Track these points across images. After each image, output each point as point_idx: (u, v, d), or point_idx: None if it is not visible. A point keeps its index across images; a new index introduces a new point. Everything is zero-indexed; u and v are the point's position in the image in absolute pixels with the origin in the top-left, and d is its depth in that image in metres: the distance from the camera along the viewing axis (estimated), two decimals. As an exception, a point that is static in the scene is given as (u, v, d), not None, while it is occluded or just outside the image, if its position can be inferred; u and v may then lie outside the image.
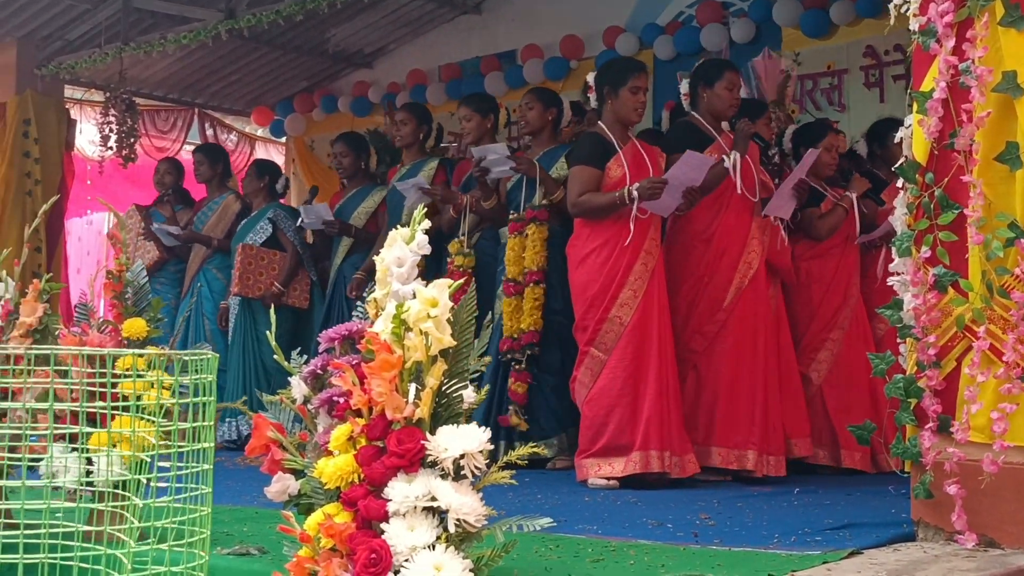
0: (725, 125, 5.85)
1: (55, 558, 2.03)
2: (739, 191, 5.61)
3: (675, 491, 5.09)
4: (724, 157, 5.58)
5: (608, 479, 5.21)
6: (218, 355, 2.04)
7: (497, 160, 6.22)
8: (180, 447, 1.94)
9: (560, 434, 6.11)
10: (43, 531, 2.08)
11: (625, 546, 3.38)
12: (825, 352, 6.14)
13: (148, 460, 1.97)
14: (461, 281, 2.54)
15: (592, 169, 5.49)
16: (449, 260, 6.44)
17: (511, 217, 6.24)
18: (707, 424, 5.53)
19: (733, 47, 8.49)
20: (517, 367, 6.08)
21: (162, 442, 1.96)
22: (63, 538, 2.07)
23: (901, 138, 3.46)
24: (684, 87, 5.90)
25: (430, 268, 6.33)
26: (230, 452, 7.03)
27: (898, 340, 3.43)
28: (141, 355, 1.98)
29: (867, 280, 6.26)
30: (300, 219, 7.58)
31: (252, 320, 7.65)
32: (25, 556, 2.02)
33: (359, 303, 3.25)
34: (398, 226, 2.68)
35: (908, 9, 3.42)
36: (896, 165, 3.44)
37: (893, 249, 3.42)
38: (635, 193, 5.32)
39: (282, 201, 8.29)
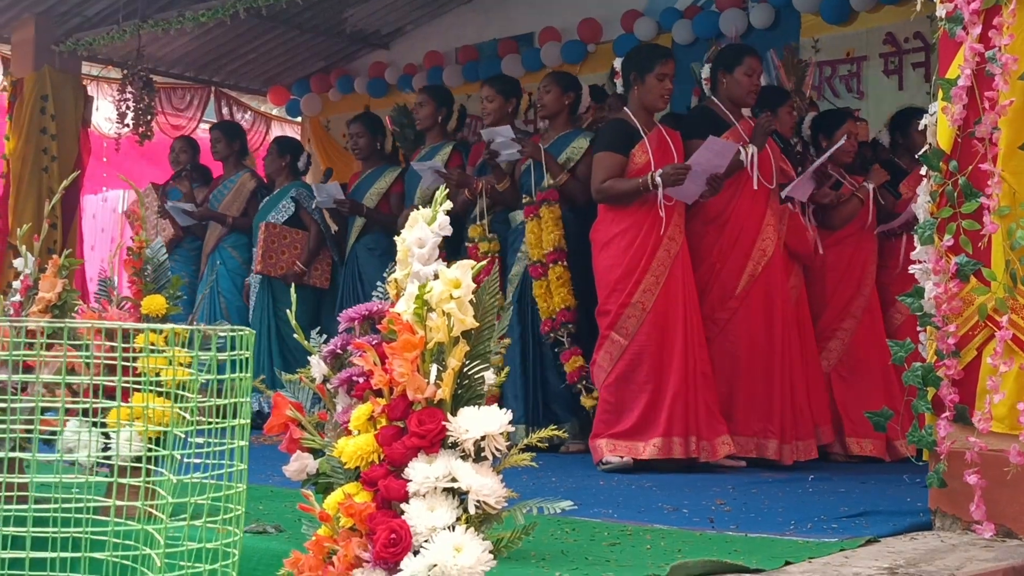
0: (746, 112, 5.82)
1: (87, 532, 2.04)
2: (755, 187, 5.58)
3: (690, 476, 5.08)
4: (741, 149, 5.54)
5: (623, 456, 5.19)
6: (254, 332, 2.03)
7: (504, 143, 6.23)
8: (217, 424, 1.93)
9: (572, 419, 6.11)
10: (72, 505, 2.08)
11: (641, 530, 3.38)
12: (836, 341, 6.13)
13: (182, 436, 1.97)
14: (484, 263, 2.53)
15: (617, 155, 5.47)
16: (471, 245, 6.42)
17: (524, 201, 6.24)
18: (724, 412, 5.50)
19: (752, 32, 8.45)
20: (559, 348, 6.09)
21: (196, 418, 1.96)
22: (95, 512, 2.07)
23: (924, 126, 3.44)
24: (706, 72, 5.87)
25: (448, 252, 6.33)
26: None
27: (918, 328, 3.42)
28: (177, 331, 1.97)
29: (884, 271, 6.24)
30: (314, 203, 7.57)
31: (272, 299, 7.64)
32: (60, 531, 2.03)
33: (379, 283, 3.25)
34: (417, 206, 2.67)
35: (934, -4, 3.40)
36: (920, 153, 3.42)
37: (915, 237, 3.40)
38: (659, 179, 5.30)
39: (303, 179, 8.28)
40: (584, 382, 5.99)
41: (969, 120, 3.29)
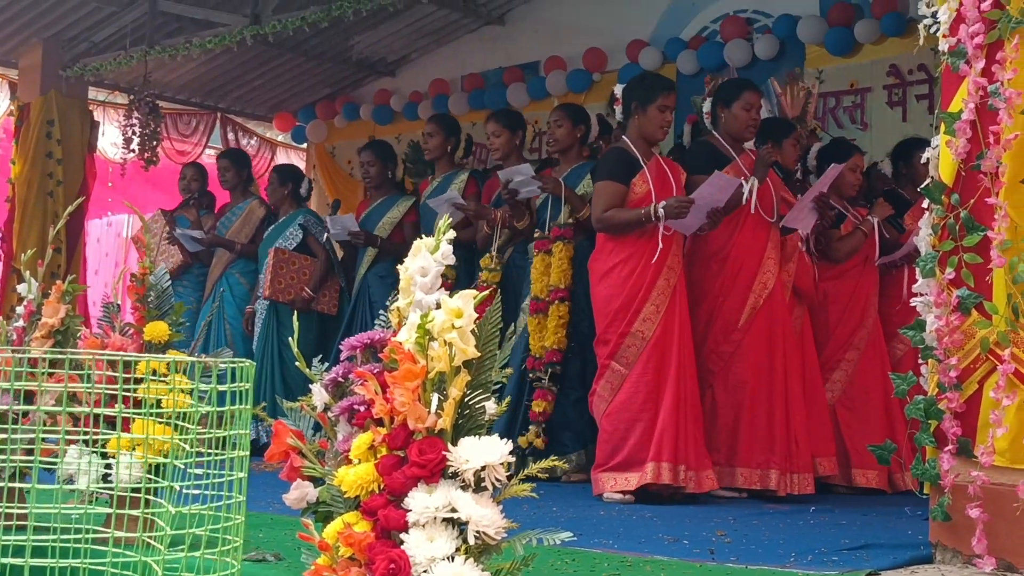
0: (748, 145, 5.83)
1: (86, 563, 2.04)
2: (752, 212, 5.59)
3: (691, 507, 5.07)
4: (743, 182, 5.55)
5: (624, 493, 5.20)
6: (254, 364, 2.04)
7: (523, 181, 6.22)
8: (216, 455, 1.94)
9: (580, 450, 6.10)
10: (72, 536, 2.08)
11: (641, 561, 3.37)
12: (840, 372, 6.13)
13: (181, 467, 1.97)
14: (486, 293, 2.54)
15: (617, 184, 5.48)
16: (481, 274, 6.44)
17: (536, 236, 6.24)
18: (729, 445, 5.51)
19: (757, 63, 8.49)
20: (538, 384, 6.08)
21: (196, 449, 1.96)
22: (93, 543, 2.07)
23: (927, 158, 3.45)
24: (707, 106, 5.89)
25: (461, 282, 6.36)
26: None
27: (920, 361, 3.42)
28: (177, 362, 1.98)
29: (887, 301, 6.25)
30: (326, 232, 7.59)
31: (277, 325, 7.64)
32: (59, 560, 2.02)
33: (381, 312, 3.25)
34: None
35: (937, 30, 3.41)
36: (922, 186, 3.43)
37: (917, 269, 3.40)
38: (661, 211, 5.31)
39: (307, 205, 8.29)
40: (538, 426, 6.00)
41: (972, 154, 3.30)
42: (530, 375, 6.12)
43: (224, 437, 1.94)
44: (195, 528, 1.88)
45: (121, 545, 2.01)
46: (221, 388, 1.88)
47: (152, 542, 1.92)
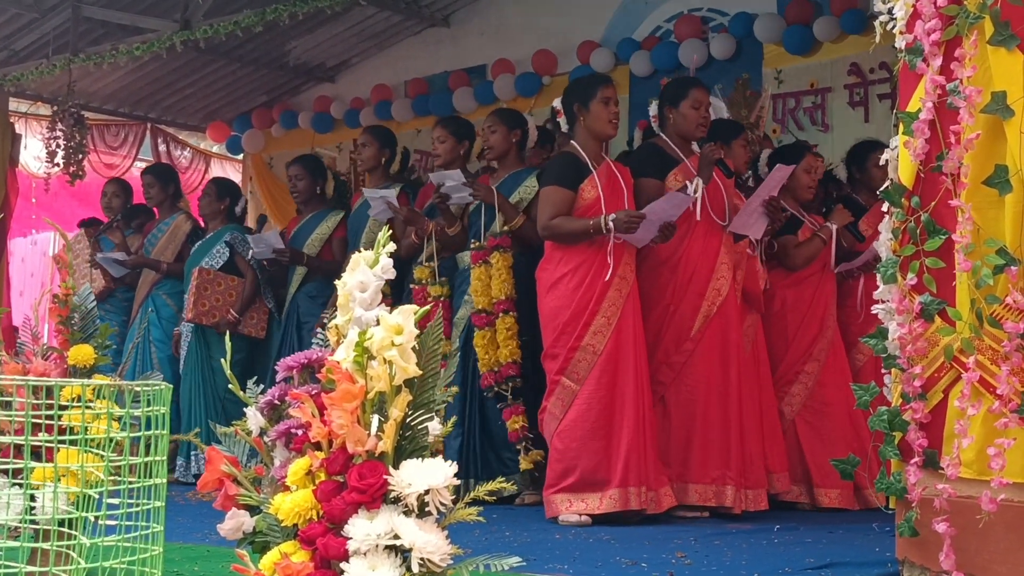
0: (696, 146, 5.86)
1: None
2: (698, 218, 5.62)
3: (650, 528, 5.09)
4: (687, 183, 5.58)
5: (581, 515, 5.20)
6: (171, 386, 2.03)
7: (455, 187, 6.24)
8: (131, 483, 1.93)
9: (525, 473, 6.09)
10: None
11: (598, 587, 3.38)
12: (799, 385, 6.15)
13: (96, 496, 1.95)
14: (427, 308, 2.54)
15: (565, 191, 5.49)
16: (418, 287, 6.41)
17: (472, 246, 6.24)
18: (681, 460, 5.52)
19: (713, 64, 8.54)
20: (502, 403, 6.07)
21: (112, 477, 1.95)
22: (4, 578, 2.05)
23: (885, 161, 3.49)
24: (653, 109, 5.93)
25: (393, 297, 6.33)
26: (181, 487, 6.98)
27: (883, 371, 3.45)
28: (90, 385, 1.96)
29: (845, 310, 6.30)
30: (250, 250, 7.52)
31: (206, 348, 7.58)
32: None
33: (319, 330, 3.24)
34: (360, 248, 2.68)
35: (894, 26, 3.45)
36: (881, 189, 3.46)
37: (877, 276, 3.43)
38: (611, 224, 5.32)
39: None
40: (525, 443, 5.99)
41: (931, 155, 3.33)
42: (487, 394, 6.11)
43: (141, 464, 1.92)
44: (113, 560, 1.87)
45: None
46: (136, 412, 1.87)
47: (66, 576, 1.91)
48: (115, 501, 1.94)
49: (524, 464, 5.96)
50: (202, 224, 8.14)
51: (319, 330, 3.17)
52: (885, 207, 3.42)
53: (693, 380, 5.59)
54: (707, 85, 6.10)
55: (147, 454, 1.95)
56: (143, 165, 10.74)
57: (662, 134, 5.87)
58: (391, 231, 2.71)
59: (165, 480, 2.03)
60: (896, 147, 3.44)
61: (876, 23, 3.51)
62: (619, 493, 5.18)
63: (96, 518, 1.88)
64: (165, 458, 2.01)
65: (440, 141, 6.66)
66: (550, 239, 5.54)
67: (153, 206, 8.28)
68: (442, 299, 6.33)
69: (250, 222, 9.58)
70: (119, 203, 8.48)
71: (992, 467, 3.11)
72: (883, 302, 3.41)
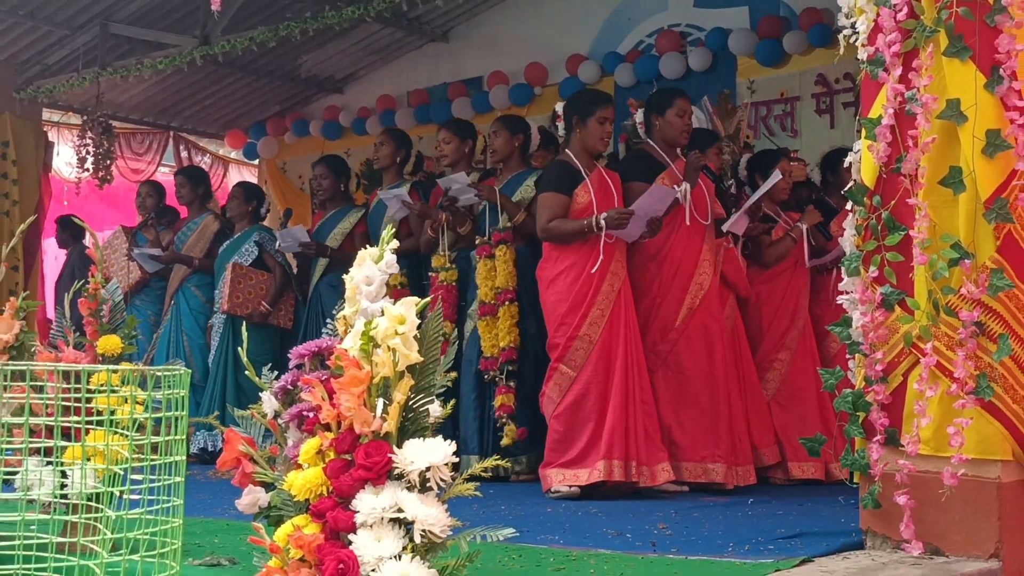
0: (680, 152, 5.88)
1: (28, 568, 2.01)
2: (687, 222, 5.64)
3: (635, 502, 5.09)
4: (676, 188, 5.60)
5: (571, 486, 5.21)
6: (190, 371, 2.02)
7: (461, 189, 6.27)
8: (152, 460, 1.92)
9: (530, 452, 6.07)
10: (17, 543, 2.06)
11: (585, 555, 3.38)
12: (774, 372, 6.20)
13: (121, 473, 1.95)
14: (428, 299, 2.54)
15: (560, 196, 5.52)
16: (434, 275, 6.44)
17: (478, 242, 6.26)
18: (672, 441, 5.53)
19: (690, 75, 8.56)
20: (500, 382, 6.08)
21: (135, 455, 1.95)
22: (37, 550, 2.05)
23: (850, 162, 3.49)
24: (639, 116, 5.93)
25: (411, 292, 6.32)
26: (202, 466, 6.98)
27: (847, 356, 3.46)
28: (114, 371, 1.96)
29: (818, 303, 6.32)
30: (277, 242, 7.54)
31: (234, 338, 7.56)
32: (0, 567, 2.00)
33: (329, 320, 3.24)
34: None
35: (857, 39, 3.45)
36: (845, 189, 3.47)
37: (843, 269, 3.44)
38: (603, 222, 5.35)
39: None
40: (507, 419, 6.00)
41: (892, 157, 3.34)
42: (486, 376, 6.12)
43: (163, 443, 1.92)
44: (137, 531, 1.87)
45: (66, 551, 1.99)
46: (157, 395, 1.87)
47: (93, 547, 1.91)
48: (138, 477, 1.94)
49: (505, 440, 5.96)
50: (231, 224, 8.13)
51: (328, 320, 3.17)
52: (849, 205, 3.43)
53: (678, 366, 5.60)
54: (691, 96, 6.11)
55: (167, 434, 1.95)
56: (166, 170, 10.74)
57: (649, 140, 5.87)
58: (408, 227, 2.71)
59: (184, 457, 2.03)
60: (859, 150, 3.45)
61: (841, 36, 3.51)
62: (604, 465, 5.20)
63: (121, 493, 1.87)
64: (185, 437, 2.00)
65: (445, 142, 6.66)
66: (548, 240, 5.56)
67: (184, 204, 8.27)
68: (448, 284, 6.34)
69: (269, 222, 9.58)
70: (152, 203, 8.45)
71: (952, 444, 3.12)
72: (847, 293, 3.42)
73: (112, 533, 1.83)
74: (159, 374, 1.91)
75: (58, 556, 1.98)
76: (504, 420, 6.02)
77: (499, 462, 2.62)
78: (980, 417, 3.15)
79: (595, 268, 5.38)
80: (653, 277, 5.67)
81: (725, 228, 5.85)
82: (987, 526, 3.16)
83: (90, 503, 2.03)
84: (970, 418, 3.12)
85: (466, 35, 9.95)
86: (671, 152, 5.83)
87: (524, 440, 6.05)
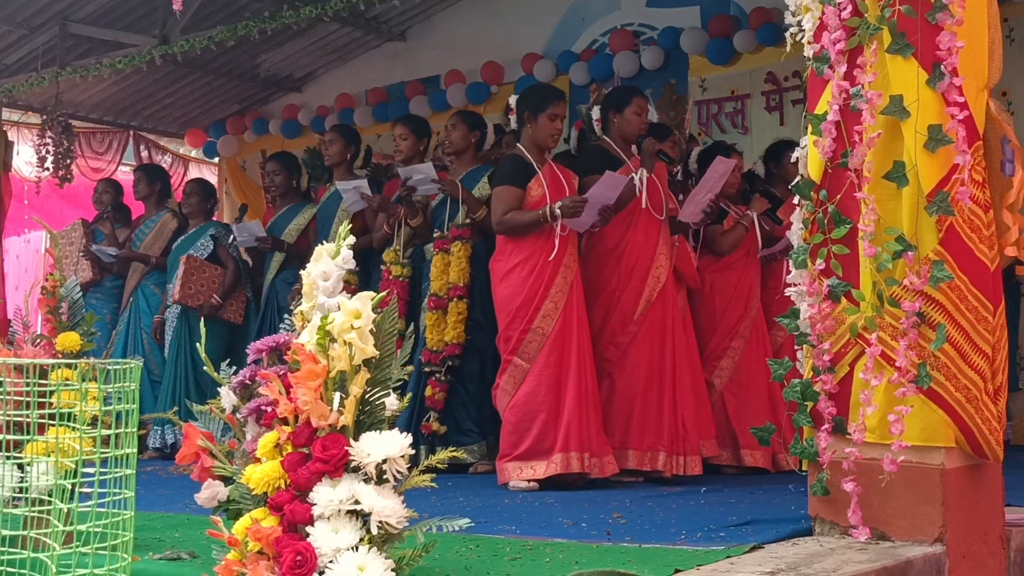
0: (635, 148, 5.90)
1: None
2: (644, 205, 5.66)
3: (591, 492, 5.10)
4: (633, 175, 5.63)
5: (529, 481, 5.22)
6: (140, 364, 2.01)
7: (423, 180, 6.23)
8: (103, 453, 1.90)
9: (481, 441, 6.09)
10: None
11: (542, 545, 3.38)
12: (727, 360, 6.21)
13: (73, 467, 1.93)
14: (384, 293, 2.53)
15: (515, 189, 5.52)
16: (384, 269, 6.41)
17: (435, 236, 6.23)
18: (623, 429, 5.56)
19: (643, 73, 8.58)
20: (437, 377, 6.06)
21: (88, 449, 1.93)
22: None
23: (797, 158, 3.51)
24: (596, 113, 5.94)
25: (361, 285, 6.29)
26: (164, 461, 6.93)
27: (795, 347, 3.47)
28: (69, 366, 1.94)
29: (768, 291, 6.36)
30: (232, 237, 7.50)
31: (189, 331, 7.53)
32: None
33: (287, 315, 3.23)
34: (325, 241, 2.67)
35: (803, 37, 3.47)
36: (792, 183, 3.49)
37: (790, 261, 3.46)
38: (557, 211, 5.35)
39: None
40: (433, 412, 6.02)
41: (837, 152, 3.35)
42: (425, 368, 6.10)
43: (112, 436, 1.90)
44: (86, 524, 1.85)
45: (19, 545, 1.97)
46: (108, 389, 1.85)
47: (46, 540, 1.89)
48: (91, 471, 1.92)
49: (433, 427, 6.00)
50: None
51: (286, 316, 3.16)
52: (796, 199, 3.45)
53: (636, 358, 5.62)
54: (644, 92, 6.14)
55: (118, 427, 1.93)
56: (127, 169, 10.64)
57: (606, 137, 5.88)
58: (361, 223, 2.70)
59: (135, 450, 2.01)
60: (806, 146, 3.46)
61: (788, 34, 3.53)
62: (561, 458, 5.21)
63: (73, 486, 1.85)
64: (135, 430, 1.99)
65: (402, 138, 6.64)
66: (504, 233, 5.56)
67: (139, 199, 8.20)
68: (402, 279, 6.32)
69: (224, 218, 9.53)
70: (109, 198, 8.41)
71: (892, 432, 3.15)
72: (795, 285, 3.43)
73: (64, 526, 1.81)
74: (109, 368, 1.89)
75: (10, 550, 1.95)
76: (435, 415, 6.02)
77: (456, 453, 2.62)
78: (923, 405, 3.18)
79: (552, 256, 5.38)
80: (612, 271, 5.69)
81: (680, 218, 5.87)
82: (931, 511, 3.18)
83: (47, 498, 2.01)
84: (911, 406, 3.14)
85: (423, 35, 9.94)
86: (627, 149, 5.85)
87: (474, 430, 6.06)
